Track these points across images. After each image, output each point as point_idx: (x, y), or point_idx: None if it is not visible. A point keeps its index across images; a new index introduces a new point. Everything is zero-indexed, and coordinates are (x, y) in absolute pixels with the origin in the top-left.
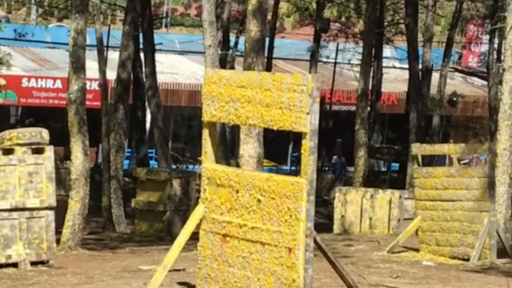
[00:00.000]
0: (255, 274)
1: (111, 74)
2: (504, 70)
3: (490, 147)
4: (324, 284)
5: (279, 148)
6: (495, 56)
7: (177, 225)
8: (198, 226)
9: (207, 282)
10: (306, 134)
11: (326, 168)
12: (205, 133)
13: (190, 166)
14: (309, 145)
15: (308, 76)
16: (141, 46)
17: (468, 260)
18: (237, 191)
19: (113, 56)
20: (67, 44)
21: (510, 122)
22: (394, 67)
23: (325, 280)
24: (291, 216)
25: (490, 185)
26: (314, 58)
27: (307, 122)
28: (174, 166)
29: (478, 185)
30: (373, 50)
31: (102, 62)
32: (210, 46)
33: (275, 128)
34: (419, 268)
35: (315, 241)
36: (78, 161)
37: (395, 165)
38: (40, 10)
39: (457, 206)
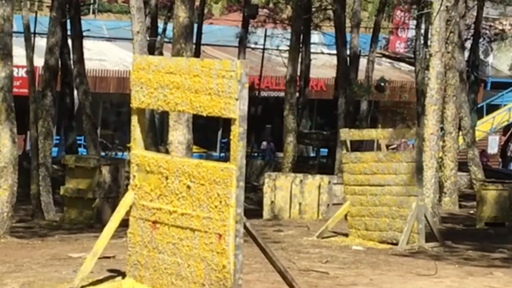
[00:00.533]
0: (185, 260)
1: (39, 61)
2: (430, 55)
3: (417, 132)
4: (255, 270)
5: (208, 134)
6: (422, 42)
7: (107, 212)
8: (128, 213)
9: (137, 268)
10: (235, 120)
11: (256, 154)
12: (134, 119)
13: (120, 153)
14: (238, 131)
15: (236, 62)
16: (69, 32)
17: (396, 244)
18: (167, 178)
19: (41, 43)
20: None
21: (437, 107)
22: (322, 53)
23: (256, 265)
24: (220, 202)
25: (418, 170)
26: (242, 44)
27: (236, 108)
28: (103, 153)
29: (406, 170)
30: (301, 36)
31: (30, 49)
32: (138, 32)
33: (204, 114)
34: (349, 252)
35: (245, 227)
36: (6, 149)
37: (324, 151)
38: None
39: (385, 190)
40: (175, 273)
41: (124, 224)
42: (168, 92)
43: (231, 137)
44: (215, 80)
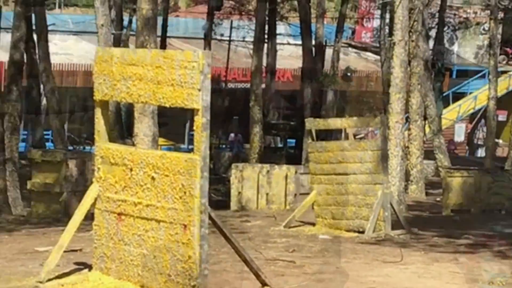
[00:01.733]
0: (151, 251)
1: (4, 56)
2: (394, 44)
3: (382, 120)
4: (222, 260)
5: (176, 127)
6: (387, 31)
7: (74, 206)
8: (94, 205)
9: (103, 261)
10: (198, 111)
11: (224, 146)
12: (98, 112)
13: (88, 147)
14: (201, 122)
15: (199, 52)
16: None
17: (363, 232)
18: (131, 169)
19: (7, 38)
20: None
21: (401, 95)
22: (289, 43)
23: (222, 256)
24: (185, 192)
25: (383, 158)
26: (208, 36)
27: (198, 99)
28: (71, 147)
29: (372, 158)
30: (267, 27)
31: None
32: (102, 25)
33: (167, 105)
34: (315, 241)
35: (210, 217)
36: None
37: (292, 141)
38: None
39: (351, 179)
40: (141, 265)
41: (91, 217)
42: (131, 84)
43: (195, 127)
44: (178, 71)
